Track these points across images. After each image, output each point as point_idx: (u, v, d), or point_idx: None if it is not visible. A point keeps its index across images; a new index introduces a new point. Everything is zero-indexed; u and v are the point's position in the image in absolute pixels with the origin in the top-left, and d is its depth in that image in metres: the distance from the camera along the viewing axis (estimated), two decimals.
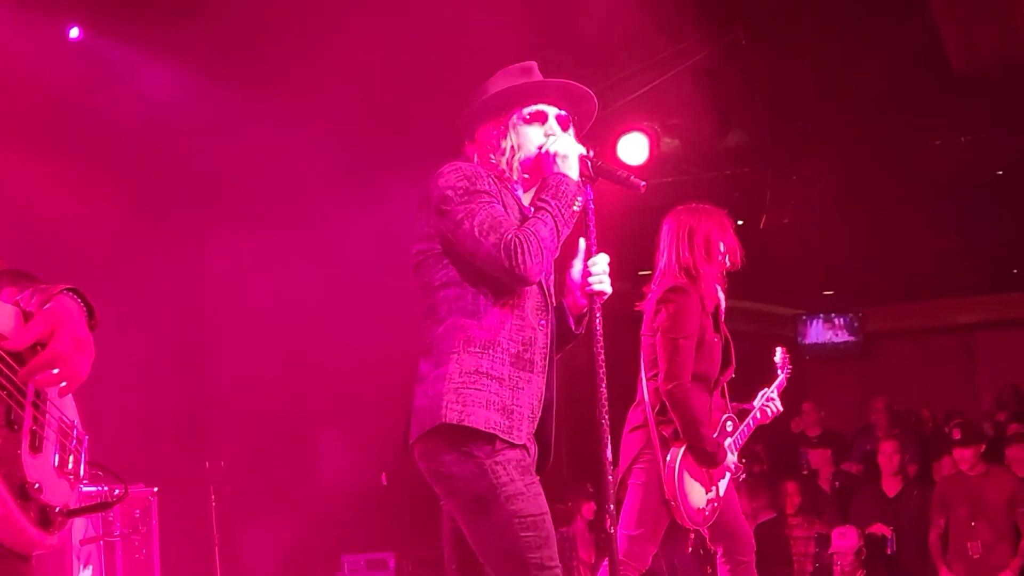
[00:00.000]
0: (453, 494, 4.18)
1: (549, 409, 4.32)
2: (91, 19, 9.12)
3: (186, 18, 9.05)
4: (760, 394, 6.79)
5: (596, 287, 4.36)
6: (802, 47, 9.56)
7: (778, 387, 6.87)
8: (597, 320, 4.37)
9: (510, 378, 4.18)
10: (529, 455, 4.24)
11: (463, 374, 4.12)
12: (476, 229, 4.12)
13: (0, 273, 2.60)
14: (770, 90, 10.26)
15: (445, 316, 4.24)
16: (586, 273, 4.38)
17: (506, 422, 4.12)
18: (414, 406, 4.24)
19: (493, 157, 4.38)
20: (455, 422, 4.07)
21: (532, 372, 4.24)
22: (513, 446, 4.13)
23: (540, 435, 4.31)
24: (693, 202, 6.59)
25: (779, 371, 7.00)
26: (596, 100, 4.54)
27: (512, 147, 4.38)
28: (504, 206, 4.25)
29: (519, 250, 4.05)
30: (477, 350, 4.16)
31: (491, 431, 4.08)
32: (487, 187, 4.24)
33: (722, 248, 6.37)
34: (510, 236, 4.08)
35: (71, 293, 2.55)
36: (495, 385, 4.14)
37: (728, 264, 6.42)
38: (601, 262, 4.39)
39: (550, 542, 4.11)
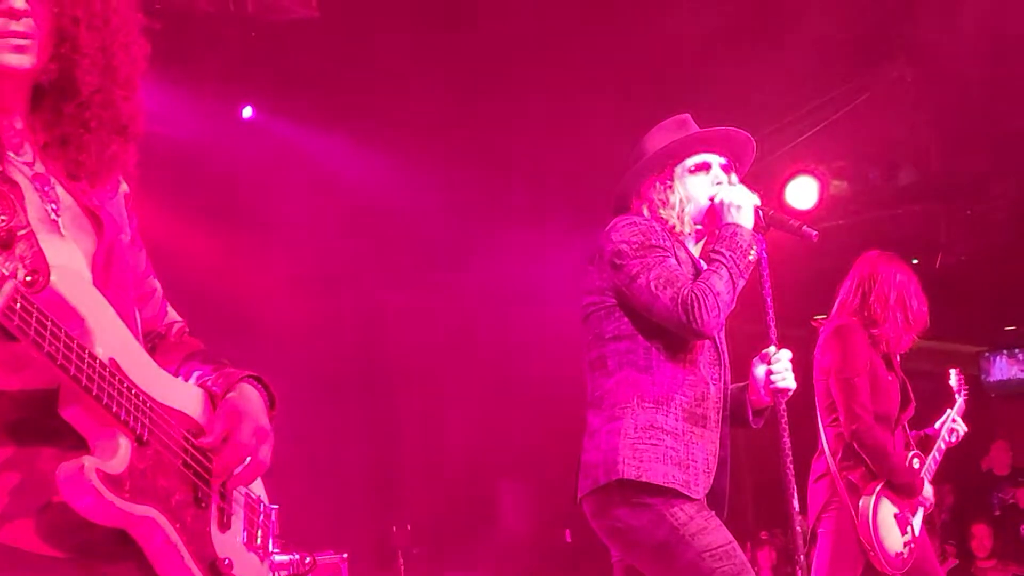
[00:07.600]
0: (634, 547, 4.17)
1: (723, 466, 4.28)
2: (264, 98, 9.38)
3: (352, 93, 9.26)
4: (943, 417, 6.67)
5: (779, 384, 4.31)
6: (968, 80, 9.36)
7: (958, 412, 6.75)
8: (782, 408, 4.32)
9: (684, 432, 4.17)
10: (705, 508, 4.20)
11: (638, 429, 4.13)
12: (652, 283, 4.14)
13: (195, 353, 2.74)
14: (937, 125, 10.09)
15: (615, 369, 4.26)
16: (769, 372, 4.35)
17: (683, 476, 4.11)
18: (584, 460, 4.24)
19: (663, 211, 4.38)
20: (633, 477, 4.07)
21: (705, 427, 4.23)
22: (690, 500, 4.11)
23: (714, 491, 4.27)
24: (877, 249, 6.47)
25: (956, 394, 6.86)
26: (754, 143, 4.54)
27: (681, 200, 4.38)
28: (678, 260, 4.26)
29: (696, 305, 4.05)
30: (651, 405, 4.16)
31: (671, 486, 4.07)
32: (661, 241, 4.26)
33: (912, 305, 6.24)
34: (687, 291, 4.08)
35: (253, 380, 2.67)
36: (670, 439, 4.13)
37: (914, 323, 6.26)
38: (783, 358, 4.35)
39: (747, 569, 4.07)
